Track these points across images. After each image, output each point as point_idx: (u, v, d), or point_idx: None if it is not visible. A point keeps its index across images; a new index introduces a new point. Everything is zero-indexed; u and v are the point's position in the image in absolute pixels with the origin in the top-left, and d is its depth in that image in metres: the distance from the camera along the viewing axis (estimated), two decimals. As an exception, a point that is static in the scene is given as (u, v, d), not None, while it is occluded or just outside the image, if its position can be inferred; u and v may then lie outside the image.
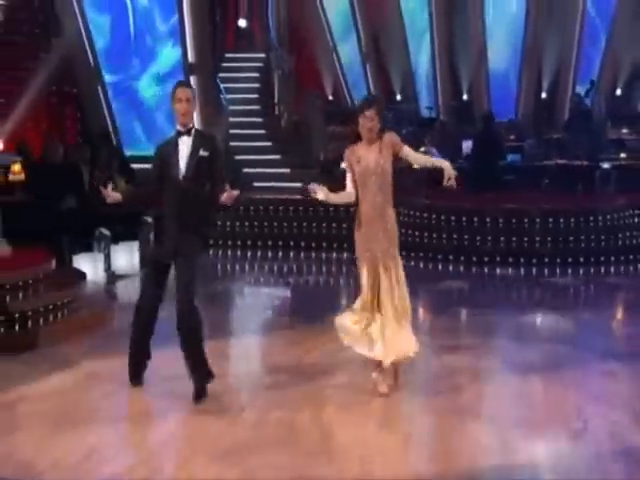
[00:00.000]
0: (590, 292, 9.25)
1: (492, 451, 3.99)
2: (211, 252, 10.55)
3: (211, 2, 13.32)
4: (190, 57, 12.44)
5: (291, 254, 10.75)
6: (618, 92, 15.81)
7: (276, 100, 13.78)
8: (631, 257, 9.71)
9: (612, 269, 9.65)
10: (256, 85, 13.52)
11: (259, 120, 13.03)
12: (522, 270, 9.51)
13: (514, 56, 16.30)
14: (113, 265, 8.99)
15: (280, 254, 10.71)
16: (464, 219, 9.75)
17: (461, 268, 9.62)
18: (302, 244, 10.83)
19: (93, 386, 5.14)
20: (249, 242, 11.05)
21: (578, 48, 15.77)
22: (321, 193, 4.65)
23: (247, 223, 11.10)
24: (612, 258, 9.73)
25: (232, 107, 12.89)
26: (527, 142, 13.40)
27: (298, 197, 10.70)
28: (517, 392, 5.10)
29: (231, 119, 12.64)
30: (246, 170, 12.20)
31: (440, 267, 9.73)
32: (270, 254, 10.78)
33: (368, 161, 4.65)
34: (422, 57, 16.84)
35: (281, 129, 13.41)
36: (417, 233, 9.94)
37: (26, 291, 6.45)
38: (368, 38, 16.60)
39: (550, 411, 4.69)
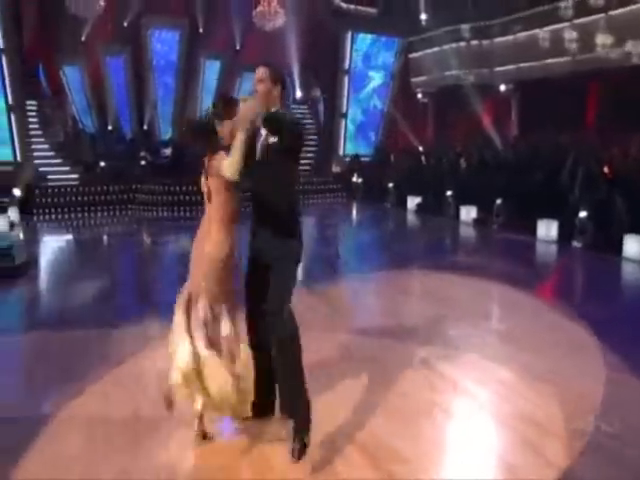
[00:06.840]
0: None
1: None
2: (35, 218, 19.66)
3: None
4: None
5: (80, 214, 20.22)
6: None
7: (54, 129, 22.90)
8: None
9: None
10: (39, 119, 22.52)
11: (44, 140, 22.19)
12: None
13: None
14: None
15: (73, 215, 20.28)
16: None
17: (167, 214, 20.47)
18: (87, 207, 20.45)
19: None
20: (53, 209, 20.45)
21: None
22: None
23: (50, 199, 20.39)
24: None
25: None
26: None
27: (76, 182, 20.71)
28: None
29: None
30: (41, 169, 21.42)
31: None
32: (62, 216, 20.13)
33: None
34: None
35: (57, 145, 22.64)
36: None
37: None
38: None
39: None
